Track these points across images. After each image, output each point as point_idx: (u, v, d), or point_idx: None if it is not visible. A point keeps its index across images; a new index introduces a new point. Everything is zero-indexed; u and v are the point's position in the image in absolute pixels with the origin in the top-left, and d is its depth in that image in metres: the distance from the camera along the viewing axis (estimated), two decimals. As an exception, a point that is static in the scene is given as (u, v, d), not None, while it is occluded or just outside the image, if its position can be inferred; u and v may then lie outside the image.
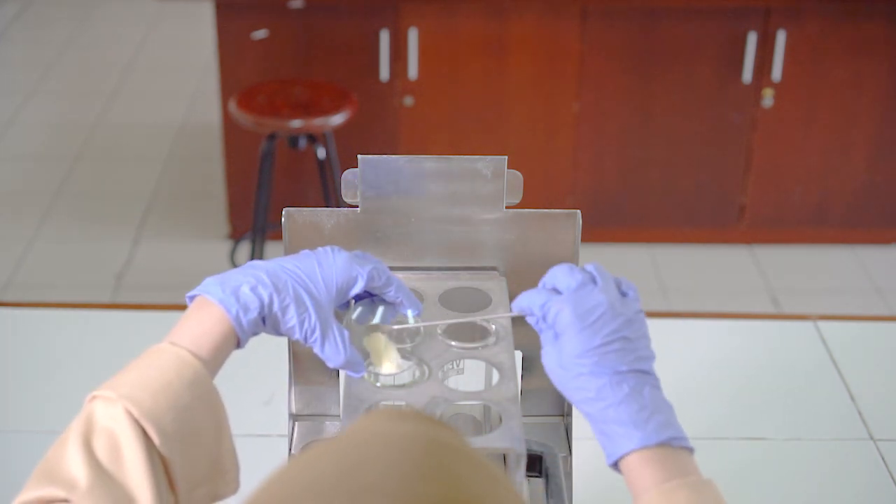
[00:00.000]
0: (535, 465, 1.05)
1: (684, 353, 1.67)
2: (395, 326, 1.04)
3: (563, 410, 1.18)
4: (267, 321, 0.97)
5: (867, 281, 3.74)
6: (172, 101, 5.00)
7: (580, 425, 1.15)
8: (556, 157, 3.74)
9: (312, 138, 3.22)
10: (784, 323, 1.77)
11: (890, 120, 3.70)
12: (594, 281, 0.95)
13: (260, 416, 1.51)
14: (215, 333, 0.94)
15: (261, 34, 3.54)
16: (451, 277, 1.13)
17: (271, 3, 3.52)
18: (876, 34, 3.57)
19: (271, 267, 0.97)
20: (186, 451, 0.90)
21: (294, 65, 3.59)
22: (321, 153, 3.24)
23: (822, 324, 1.74)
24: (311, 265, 0.98)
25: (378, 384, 1.00)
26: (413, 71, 3.58)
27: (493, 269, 1.13)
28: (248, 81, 3.47)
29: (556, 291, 0.95)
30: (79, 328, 1.70)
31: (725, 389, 1.60)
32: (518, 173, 1.10)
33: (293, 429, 1.14)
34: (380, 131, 3.66)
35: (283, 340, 1.08)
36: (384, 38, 3.52)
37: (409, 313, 1.05)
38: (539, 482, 1.06)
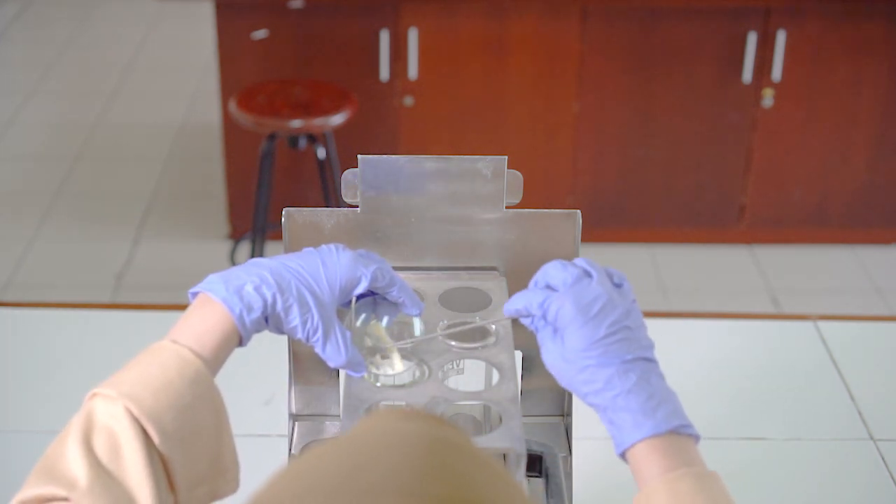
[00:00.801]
0: (535, 465, 1.05)
1: (684, 353, 1.67)
2: (402, 343, 1.04)
3: (563, 410, 1.18)
4: (270, 320, 0.96)
5: (867, 281, 3.74)
6: (172, 101, 5.00)
7: (580, 425, 1.15)
8: (556, 157, 3.74)
9: (312, 138, 3.22)
10: (784, 323, 1.77)
11: (890, 120, 3.70)
12: (588, 274, 0.95)
13: (260, 416, 1.51)
14: (217, 332, 0.94)
15: (261, 34, 3.54)
16: (451, 277, 1.13)
17: (271, 3, 3.52)
18: (876, 34, 3.57)
19: (275, 265, 0.97)
20: (186, 450, 0.90)
21: (294, 65, 3.59)
22: (321, 153, 3.24)
23: (822, 324, 1.74)
24: (314, 264, 0.98)
25: (378, 384, 1.00)
26: (413, 71, 3.58)
27: (493, 269, 1.13)
28: (248, 81, 3.47)
29: (550, 289, 0.95)
30: (79, 328, 1.70)
31: (725, 389, 1.60)
32: (518, 173, 1.10)
33: (293, 429, 1.14)
34: (380, 131, 3.66)
35: (284, 340, 1.08)
36: (384, 38, 3.52)
37: (416, 322, 1.05)
38: (539, 482, 1.06)
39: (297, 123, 3.10)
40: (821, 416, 1.56)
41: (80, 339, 1.68)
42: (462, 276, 1.13)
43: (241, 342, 0.96)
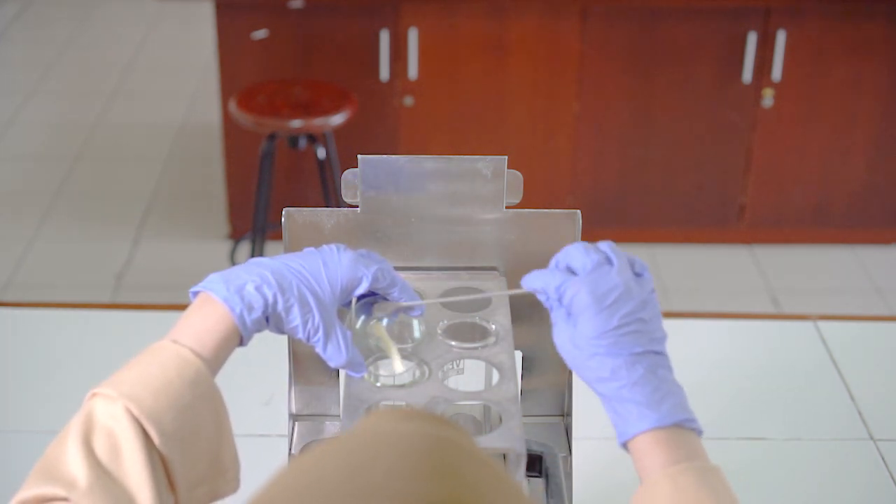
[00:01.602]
0: (535, 465, 1.05)
1: (684, 353, 1.66)
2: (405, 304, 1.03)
3: (563, 410, 1.18)
4: (270, 320, 0.96)
5: (867, 281, 3.74)
6: (172, 101, 5.00)
7: (580, 425, 1.15)
8: (556, 157, 3.74)
9: (312, 138, 3.22)
10: (784, 323, 1.77)
11: (890, 120, 3.70)
12: (609, 261, 0.94)
13: (260, 416, 1.51)
14: (218, 332, 0.94)
15: (261, 34, 3.54)
16: (451, 277, 1.13)
17: (271, 3, 3.52)
18: (876, 34, 3.57)
19: (276, 265, 0.97)
20: (186, 450, 0.90)
21: (294, 65, 3.59)
22: (321, 153, 3.24)
23: (822, 324, 1.74)
24: (316, 265, 0.98)
25: (378, 384, 1.00)
26: (413, 71, 3.58)
27: (493, 269, 1.13)
28: (248, 81, 3.47)
29: (570, 271, 0.95)
30: (79, 328, 1.70)
31: (725, 389, 1.60)
32: (518, 173, 1.10)
33: (293, 429, 1.14)
34: (380, 131, 3.66)
35: (284, 340, 1.08)
36: (384, 38, 3.52)
37: (416, 322, 1.05)
38: (539, 482, 1.06)
39: (297, 123, 3.10)
40: (821, 416, 1.56)
41: (80, 339, 1.68)
42: (462, 276, 1.13)
43: (241, 342, 0.96)
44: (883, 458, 1.48)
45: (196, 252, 3.82)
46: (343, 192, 1.10)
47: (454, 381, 1.03)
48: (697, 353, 1.67)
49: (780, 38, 3.53)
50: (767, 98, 3.63)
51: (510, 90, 3.64)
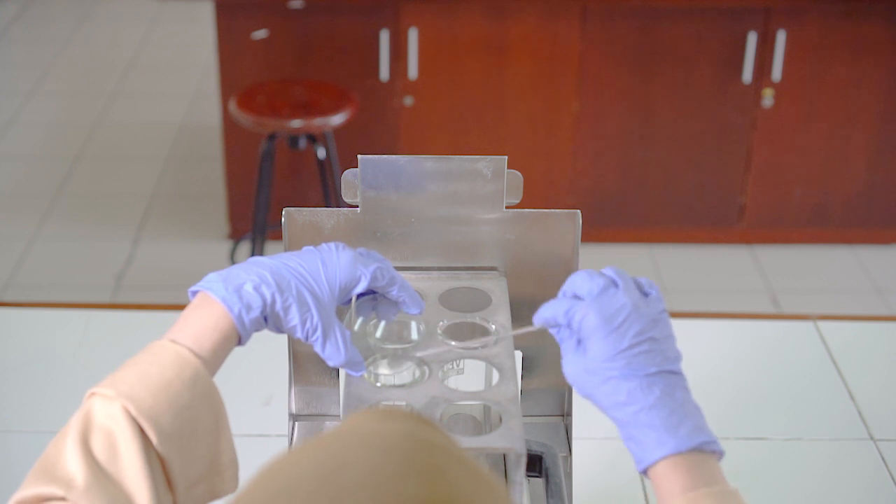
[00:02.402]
0: (535, 465, 1.05)
1: (684, 353, 1.66)
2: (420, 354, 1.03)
3: (563, 410, 1.18)
4: (269, 320, 0.96)
5: (867, 281, 3.74)
6: (172, 101, 5.00)
7: (580, 425, 1.15)
8: (556, 157, 3.74)
9: (312, 138, 3.22)
10: (784, 323, 1.77)
11: (890, 120, 3.70)
12: (615, 284, 0.94)
13: (260, 416, 1.51)
14: (217, 331, 0.93)
15: (261, 34, 3.54)
16: (451, 277, 1.13)
17: (271, 3, 3.51)
18: (876, 34, 3.57)
19: (275, 265, 0.97)
20: (184, 449, 0.89)
21: (294, 65, 3.59)
22: (321, 153, 3.24)
23: (822, 324, 1.74)
24: (314, 264, 0.98)
25: (378, 384, 1.00)
26: (413, 71, 3.58)
27: (493, 269, 1.13)
28: (248, 81, 3.47)
29: (578, 298, 0.94)
30: (79, 328, 1.70)
31: (725, 389, 1.60)
32: (518, 173, 1.10)
33: (293, 429, 1.14)
34: (380, 131, 3.66)
35: (284, 340, 1.08)
36: (384, 38, 3.52)
37: (413, 326, 1.05)
38: (539, 482, 1.06)
39: (297, 123, 3.10)
40: (821, 416, 1.56)
41: (80, 339, 1.68)
42: (462, 276, 1.13)
43: (240, 341, 0.96)
44: (883, 458, 1.48)
45: (196, 252, 3.82)
46: (343, 192, 1.10)
47: (454, 381, 1.03)
48: (697, 353, 1.67)
49: (780, 38, 3.53)
50: (767, 98, 3.63)
51: (510, 90, 3.64)
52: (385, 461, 0.57)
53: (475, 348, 1.03)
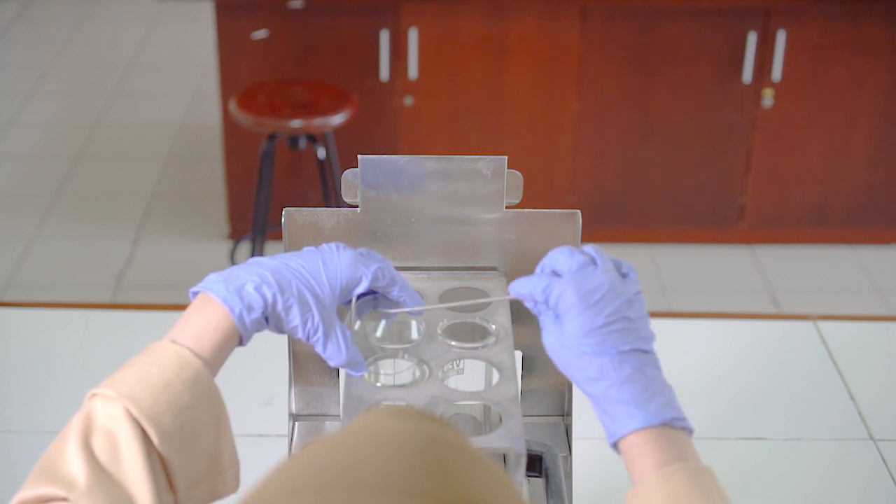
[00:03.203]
0: (535, 465, 1.05)
1: (684, 353, 1.67)
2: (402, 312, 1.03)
3: (563, 410, 1.18)
4: (270, 320, 0.96)
5: (867, 281, 3.74)
6: (172, 101, 5.00)
7: (580, 425, 1.15)
8: (556, 157, 3.74)
9: (312, 138, 3.22)
10: (784, 323, 1.77)
11: (890, 120, 3.70)
12: (594, 262, 0.95)
13: (260, 416, 1.51)
14: (218, 332, 0.93)
15: (261, 34, 3.54)
16: (451, 277, 1.13)
17: (271, 3, 3.52)
18: (876, 34, 3.57)
19: (275, 265, 0.97)
20: (186, 450, 0.90)
21: (294, 65, 3.59)
22: (321, 153, 3.24)
23: (822, 324, 1.74)
24: (315, 264, 0.98)
25: (378, 384, 1.00)
26: (413, 71, 3.58)
27: (493, 269, 1.13)
28: (248, 81, 3.47)
29: (556, 274, 0.96)
30: (79, 328, 1.70)
31: (725, 389, 1.60)
32: (518, 173, 1.10)
33: (293, 429, 1.14)
34: (380, 131, 3.66)
35: (284, 340, 1.08)
36: (384, 38, 3.52)
37: (413, 326, 1.05)
38: (539, 482, 1.06)
39: (297, 123, 3.10)
40: (821, 416, 1.56)
41: (80, 339, 1.68)
42: (462, 276, 1.13)
43: (241, 342, 0.96)
44: (883, 458, 1.48)
45: (196, 252, 3.82)
46: (343, 192, 1.10)
47: (454, 381, 1.03)
48: (697, 353, 1.67)
49: (780, 38, 3.53)
50: (767, 98, 3.63)
51: (510, 90, 3.64)
52: (399, 458, 0.57)
53: (475, 348, 1.03)
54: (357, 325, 1.04)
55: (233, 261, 3.58)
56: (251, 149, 3.54)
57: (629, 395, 0.90)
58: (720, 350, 1.68)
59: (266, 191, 3.24)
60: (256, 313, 0.94)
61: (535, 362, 1.16)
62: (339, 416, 1.15)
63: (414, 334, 1.05)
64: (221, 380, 0.95)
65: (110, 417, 0.87)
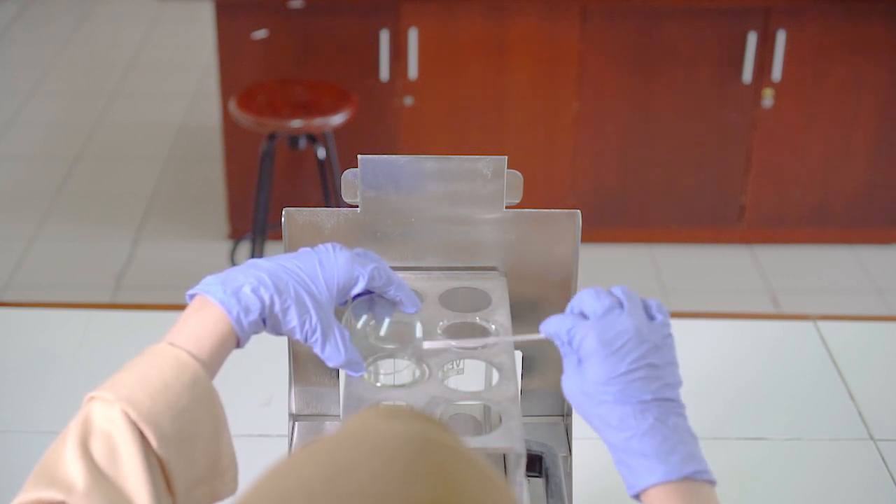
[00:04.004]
0: (535, 465, 1.05)
1: (684, 352, 1.66)
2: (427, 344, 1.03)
3: (563, 410, 1.18)
4: (267, 322, 0.96)
5: (867, 281, 3.74)
6: (172, 101, 5.00)
7: (580, 425, 1.15)
8: (556, 157, 3.74)
9: (312, 138, 3.22)
10: (784, 323, 1.77)
11: (890, 120, 3.70)
12: (621, 305, 0.93)
13: (260, 416, 1.51)
14: (215, 334, 0.93)
15: (261, 34, 3.54)
16: (451, 277, 1.13)
17: (271, 3, 3.52)
18: (876, 34, 3.57)
19: (272, 267, 0.97)
20: (184, 452, 0.89)
21: (294, 65, 3.59)
22: (321, 153, 3.24)
23: (822, 324, 1.74)
24: (312, 265, 0.98)
25: (378, 384, 1.00)
26: (413, 71, 3.58)
27: (493, 269, 1.13)
28: (248, 81, 3.47)
29: (584, 316, 0.94)
30: (79, 328, 1.70)
31: (725, 389, 1.60)
32: (518, 173, 1.10)
33: (293, 429, 1.14)
34: (380, 131, 3.66)
35: (283, 340, 1.08)
36: (384, 38, 3.52)
37: (413, 326, 1.05)
38: (539, 482, 1.06)
39: (297, 123, 3.10)
40: (821, 416, 1.56)
41: (80, 339, 1.68)
42: (462, 276, 1.13)
43: (238, 344, 0.96)
44: (883, 458, 1.48)
45: (196, 252, 3.82)
46: (343, 192, 1.10)
47: (454, 381, 1.03)
48: (697, 353, 1.67)
49: (780, 38, 3.53)
50: (767, 98, 3.63)
51: (510, 90, 3.64)
52: (392, 463, 0.57)
53: (475, 348, 1.03)
54: (360, 324, 1.04)
55: (233, 261, 3.58)
56: (251, 149, 3.54)
57: (650, 447, 0.88)
58: (720, 350, 1.68)
59: (266, 191, 3.24)
60: (254, 315, 0.94)
61: (535, 362, 1.16)
62: (339, 416, 1.15)
63: (414, 334, 1.05)
64: (221, 380, 0.95)
65: (108, 420, 0.87)
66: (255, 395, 1.54)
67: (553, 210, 1.11)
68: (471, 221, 1.11)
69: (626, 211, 3.83)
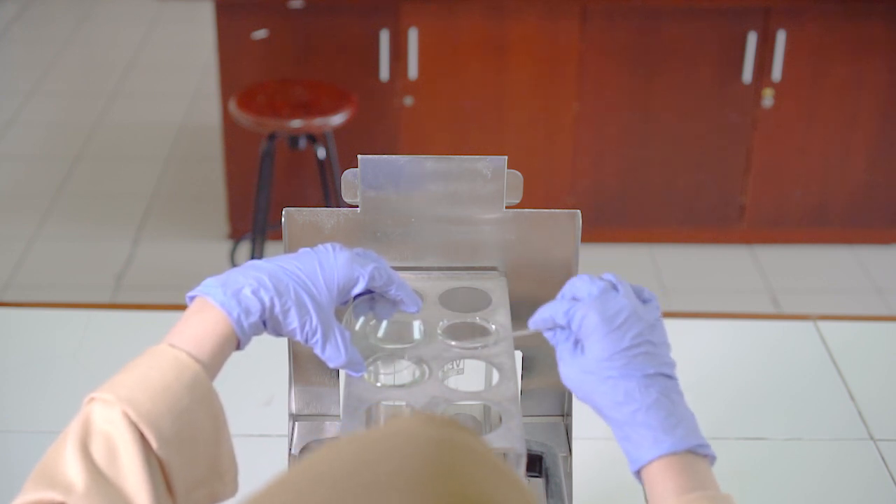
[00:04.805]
0: (535, 465, 1.05)
1: (684, 353, 1.66)
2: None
3: (563, 410, 1.18)
4: (268, 324, 0.96)
5: (867, 281, 3.74)
6: (172, 101, 5.00)
7: (580, 425, 1.15)
8: (556, 157, 3.74)
9: (312, 138, 3.22)
10: (784, 323, 1.77)
11: (890, 120, 3.70)
12: (615, 287, 0.96)
13: (260, 416, 1.51)
14: (216, 336, 0.93)
15: (261, 34, 3.54)
16: (451, 277, 1.13)
17: (271, 3, 3.52)
18: (876, 34, 3.57)
19: (272, 268, 0.97)
20: (184, 454, 0.89)
21: (294, 65, 3.59)
22: (321, 153, 3.24)
23: (822, 324, 1.74)
24: (312, 266, 0.98)
25: (378, 384, 1.00)
26: (413, 71, 3.58)
27: (493, 269, 1.13)
28: (248, 81, 3.47)
29: (577, 300, 0.95)
30: (79, 328, 1.70)
31: (725, 389, 1.60)
32: (518, 173, 1.10)
33: (293, 429, 1.14)
34: (380, 131, 3.66)
35: (283, 341, 1.08)
36: (384, 38, 3.52)
37: (413, 326, 1.05)
38: (539, 482, 1.06)
39: (297, 123, 3.10)
40: (821, 416, 1.56)
41: (80, 339, 1.68)
42: (462, 276, 1.13)
43: (239, 346, 0.96)
44: (883, 458, 1.48)
45: (196, 252, 3.82)
46: (343, 192, 1.10)
47: (454, 381, 1.03)
48: (697, 353, 1.67)
49: (780, 38, 3.53)
50: (767, 98, 3.63)
51: (510, 90, 3.64)
52: (415, 458, 0.58)
53: (475, 348, 1.03)
54: (359, 324, 1.04)
55: (233, 261, 3.58)
56: (251, 149, 3.54)
57: (655, 419, 0.89)
58: (720, 350, 1.68)
59: (266, 191, 3.24)
60: (254, 317, 0.94)
61: (535, 362, 1.16)
62: (339, 416, 1.15)
63: (414, 334, 1.05)
64: (221, 380, 0.95)
65: (108, 422, 0.87)
66: (255, 395, 1.54)
67: (553, 210, 1.11)
68: (471, 221, 1.11)
69: (626, 211, 3.83)
